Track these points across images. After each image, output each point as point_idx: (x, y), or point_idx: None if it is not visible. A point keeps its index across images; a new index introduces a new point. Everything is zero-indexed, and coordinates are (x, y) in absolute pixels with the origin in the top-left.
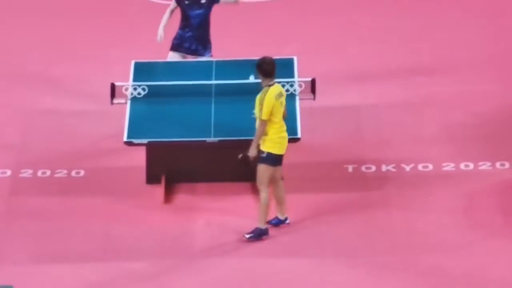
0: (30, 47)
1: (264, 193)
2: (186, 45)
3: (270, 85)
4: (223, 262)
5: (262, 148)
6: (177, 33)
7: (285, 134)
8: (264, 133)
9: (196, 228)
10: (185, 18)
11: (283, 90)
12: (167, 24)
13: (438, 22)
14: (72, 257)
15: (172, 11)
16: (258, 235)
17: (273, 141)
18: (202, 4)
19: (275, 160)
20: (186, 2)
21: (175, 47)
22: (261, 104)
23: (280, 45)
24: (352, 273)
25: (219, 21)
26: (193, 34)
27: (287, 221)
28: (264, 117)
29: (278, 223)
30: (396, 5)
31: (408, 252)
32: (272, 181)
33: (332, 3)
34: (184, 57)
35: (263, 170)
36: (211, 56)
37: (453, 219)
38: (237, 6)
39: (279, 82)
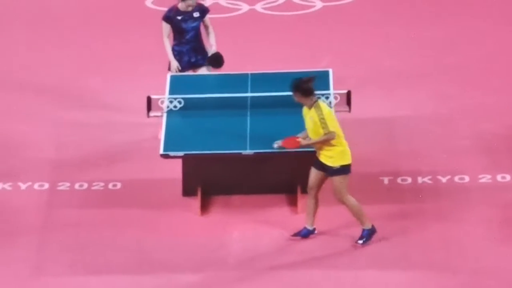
0: (65, 61)
1: (349, 201)
2: (186, 58)
3: (315, 101)
4: (257, 275)
5: (332, 164)
6: (173, 50)
7: (346, 143)
8: (327, 141)
9: (231, 241)
10: (179, 33)
11: None
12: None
13: (470, 34)
14: (108, 269)
15: (168, 36)
16: (369, 235)
17: (340, 154)
18: (196, 17)
19: (345, 169)
20: (179, 18)
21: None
22: (320, 121)
23: (314, 58)
24: (387, 285)
25: (253, 35)
26: (191, 47)
27: (315, 232)
28: (332, 128)
29: (307, 233)
30: (429, 18)
31: (444, 265)
32: (314, 188)
33: (365, 16)
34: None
35: (339, 182)
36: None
37: (489, 231)
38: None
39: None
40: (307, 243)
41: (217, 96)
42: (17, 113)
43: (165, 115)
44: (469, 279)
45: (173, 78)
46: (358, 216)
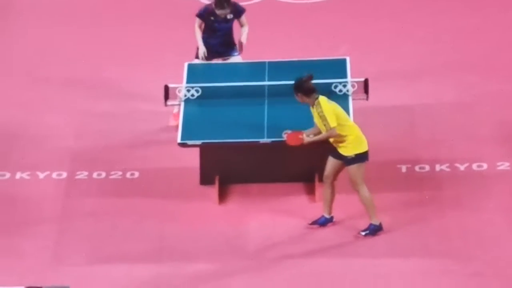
0: (84, 51)
1: (362, 191)
2: (214, 49)
3: (316, 99)
4: (276, 263)
5: (346, 154)
6: (204, 41)
7: (359, 130)
8: (331, 138)
9: (249, 229)
10: (211, 30)
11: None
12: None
13: (491, 22)
14: (127, 258)
15: (200, 26)
16: (374, 231)
17: (353, 142)
18: (229, 19)
19: (362, 157)
20: (212, 18)
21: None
22: (321, 118)
23: (332, 46)
24: (406, 273)
25: (270, 23)
26: (220, 41)
27: (333, 220)
28: (333, 124)
29: (325, 222)
30: (449, 5)
31: (462, 253)
32: (330, 177)
33: (383, 3)
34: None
35: (354, 170)
36: (238, 54)
37: (507, 219)
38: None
39: (332, 83)
40: (325, 232)
41: (235, 84)
42: (35, 103)
43: (182, 104)
44: (487, 267)
45: (190, 67)
46: (368, 209)
